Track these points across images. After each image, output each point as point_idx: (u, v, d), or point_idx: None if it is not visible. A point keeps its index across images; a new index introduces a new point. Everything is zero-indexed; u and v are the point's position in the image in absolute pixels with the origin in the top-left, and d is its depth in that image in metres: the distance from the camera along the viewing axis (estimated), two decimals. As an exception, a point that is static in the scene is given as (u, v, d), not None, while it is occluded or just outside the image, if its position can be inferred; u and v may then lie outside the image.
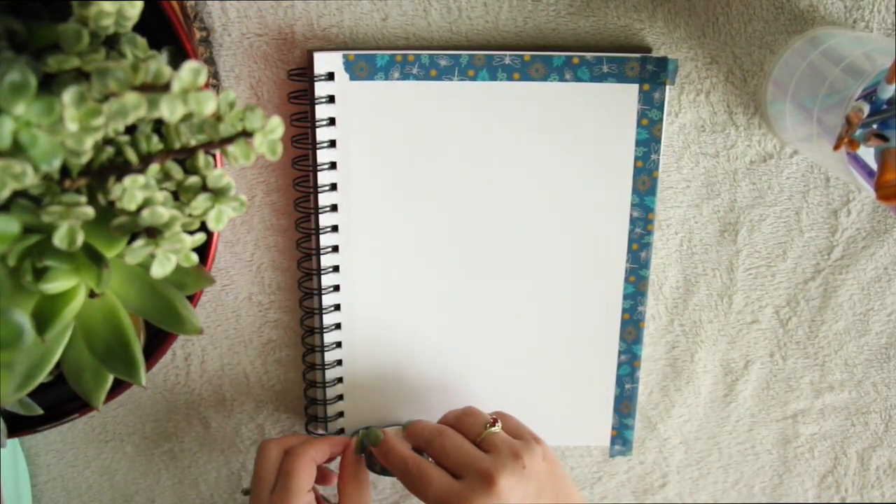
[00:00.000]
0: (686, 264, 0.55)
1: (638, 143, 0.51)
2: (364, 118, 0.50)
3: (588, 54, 0.49)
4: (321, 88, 0.49)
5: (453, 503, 0.44)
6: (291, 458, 0.49)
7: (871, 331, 0.56)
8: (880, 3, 0.49)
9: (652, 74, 0.49)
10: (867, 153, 0.41)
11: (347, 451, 0.52)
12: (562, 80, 0.49)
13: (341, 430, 0.56)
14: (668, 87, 0.49)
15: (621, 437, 0.57)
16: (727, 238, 0.54)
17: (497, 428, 0.48)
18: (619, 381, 0.55)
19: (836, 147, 0.40)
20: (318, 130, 0.50)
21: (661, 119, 0.50)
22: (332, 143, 0.50)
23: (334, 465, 0.53)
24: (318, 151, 0.50)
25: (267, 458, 0.51)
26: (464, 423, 0.49)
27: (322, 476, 0.54)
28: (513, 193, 0.52)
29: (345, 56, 0.49)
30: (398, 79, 0.49)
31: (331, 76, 0.49)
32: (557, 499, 0.47)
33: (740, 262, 0.54)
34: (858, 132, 0.39)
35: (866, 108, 0.39)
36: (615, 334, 0.54)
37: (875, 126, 0.39)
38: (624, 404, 0.56)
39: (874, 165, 0.40)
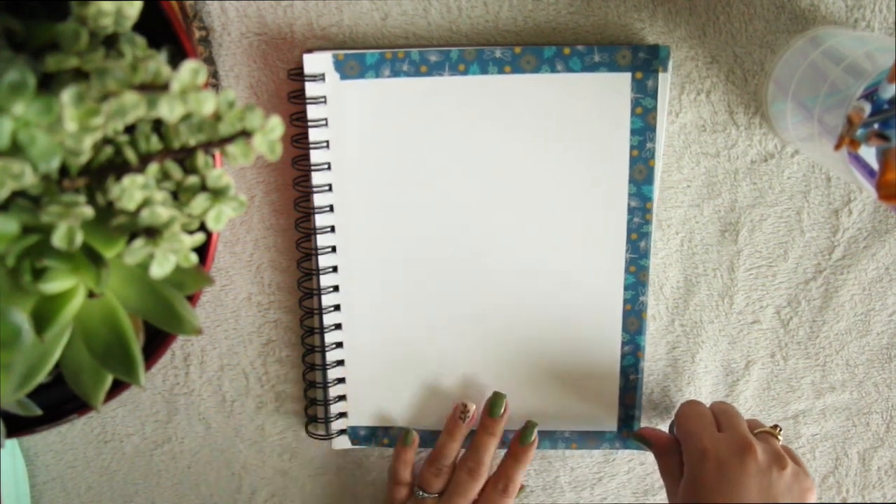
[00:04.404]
0: (687, 264, 0.54)
1: (633, 132, 0.50)
2: (356, 117, 0.50)
3: (579, 45, 0.49)
4: (313, 89, 0.49)
5: (714, 447, 0.48)
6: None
7: (873, 331, 0.56)
8: (881, 3, 0.49)
9: (644, 62, 0.49)
10: (868, 153, 0.41)
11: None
12: (553, 71, 0.49)
13: (342, 432, 0.56)
14: (661, 74, 0.49)
15: (627, 429, 0.57)
16: (728, 238, 0.54)
17: (777, 433, 0.52)
18: (624, 372, 0.55)
19: (838, 147, 0.39)
20: (312, 131, 0.49)
21: (655, 107, 0.50)
22: (327, 144, 0.50)
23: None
24: (314, 152, 0.50)
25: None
26: (750, 419, 0.53)
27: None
28: (509, 187, 0.52)
29: (335, 56, 0.48)
30: (389, 76, 0.49)
31: (322, 76, 0.49)
32: None
33: (741, 262, 0.54)
34: (860, 132, 0.39)
35: (867, 108, 0.39)
36: (617, 325, 0.54)
37: (876, 126, 0.39)
38: (629, 395, 0.56)
39: (875, 165, 0.40)
